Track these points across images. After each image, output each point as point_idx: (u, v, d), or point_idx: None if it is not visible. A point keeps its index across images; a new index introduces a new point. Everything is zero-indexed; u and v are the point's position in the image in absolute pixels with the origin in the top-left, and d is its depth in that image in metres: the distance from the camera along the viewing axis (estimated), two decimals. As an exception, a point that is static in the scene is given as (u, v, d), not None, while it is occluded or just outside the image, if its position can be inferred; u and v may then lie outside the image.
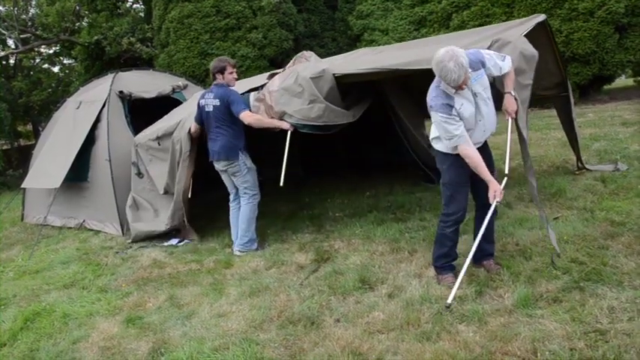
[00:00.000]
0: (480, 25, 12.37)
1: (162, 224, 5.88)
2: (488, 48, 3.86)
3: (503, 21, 11.78)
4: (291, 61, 5.45)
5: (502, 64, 3.56)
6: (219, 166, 5.18)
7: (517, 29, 4.27)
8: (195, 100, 5.67)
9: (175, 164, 5.62)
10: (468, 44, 4.13)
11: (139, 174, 6.21)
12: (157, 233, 5.92)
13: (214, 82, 5.16)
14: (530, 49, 3.83)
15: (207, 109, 5.11)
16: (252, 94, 5.24)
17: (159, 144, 5.91)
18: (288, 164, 4.91)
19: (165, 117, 6.51)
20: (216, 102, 5.00)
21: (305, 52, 5.49)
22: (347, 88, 5.07)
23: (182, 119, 5.69)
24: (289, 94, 4.83)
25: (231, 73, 5.09)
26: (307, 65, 5.06)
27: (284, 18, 14.89)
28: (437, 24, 14.33)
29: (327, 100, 4.79)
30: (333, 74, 4.84)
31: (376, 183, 6.99)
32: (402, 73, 4.65)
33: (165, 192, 5.90)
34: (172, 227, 5.81)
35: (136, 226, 6.07)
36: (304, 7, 16.84)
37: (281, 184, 4.84)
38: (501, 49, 3.82)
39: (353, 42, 15.27)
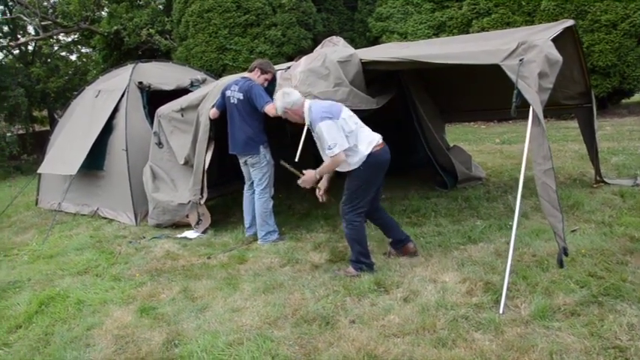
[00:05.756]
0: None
1: (182, 197, 5.94)
2: (515, 50, 3.84)
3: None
4: (320, 45, 5.50)
5: (327, 150, 3.91)
6: (241, 159, 5.31)
7: (545, 33, 4.24)
8: (218, 83, 5.72)
9: (198, 136, 5.68)
10: (495, 45, 4.11)
11: (159, 144, 6.31)
12: (177, 204, 5.97)
13: (243, 75, 5.22)
14: (555, 54, 3.81)
15: (232, 101, 5.19)
16: (279, 73, 5.30)
17: (182, 115, 5.99)
18: (305, 164, 4.90)
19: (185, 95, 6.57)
20: (240, 95, 5.07)
21: (334, 37, 5.56)
22: (372, 77, 5.09)
23: (208, 92, 5.73)
24: (315, 75, 4.85)
25: (267, 79, 5.20)
26: (336, 49, 5.13)
27: (303, 17, 14.89)
28: (456, 29, 14.28)
29: (352, 84, 4.83)
30: (361, 60, 4.88)
31: (391, 186, 6.94)
32: (427, 67, 4.64)
33: (186, 162, 5.97)
34: (192, 201, 5.83)
35: (156, 196, 6.14)
36: (324, 7, 16.84)
37: (296, 159, 4.91)
38: (527, 52, 3.80)
39: (371, 44, 15.14)
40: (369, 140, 4.01)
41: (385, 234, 4.57)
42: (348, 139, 3.92)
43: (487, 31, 13.18)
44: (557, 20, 11.79)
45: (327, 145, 3.88)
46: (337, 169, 4.08)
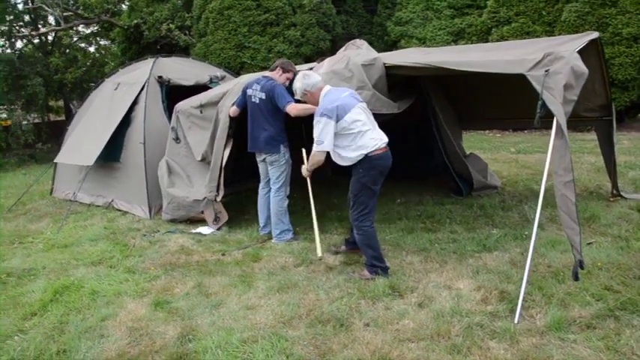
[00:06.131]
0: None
1: (198, 193, 5.94)
2: (541, 61, 3.82)
3: (543, 39, 11.67)
4: (343, 47, 5.51)
5: (314, 144, 4.10)
6: (259, 157, 5.31)
7: (570, 44, 4.21)
8: (239, 81, 5.76)
9: (217, 133, 5.69)
10: (520, 54, 4.10)
11: (177, 139, 6.33)
12: (192, 200, 5.97)
13: (265, 74, 5.24)
14: (582, 66, 3.79)
15: (253, 100, 5.20)
16: (301, 73, 5.30)
17: (201, 112, 6.01)
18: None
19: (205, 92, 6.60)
20: (262, 95, 5.08)
21: (357, 40, 5.56)
22: (393, 82, 5.08)
23: (228, 90, 5.75)
24: (338, 77, 4.85)
25: (288, 78, 5.21)
26: (359, 52, 5.13)
27: (323, 18, 14.89)
28: (475, 37, 14.21)
29: (375, 88, 4.83)
30: (384, 64, 4.88)
31: (406, 190, 6.97)
32: (450, 74, 4.62)
33: (203, 159, 5.99)
34: (208, 197, 5.82)
35: (171, 191, 6.15)
36: (343, 9, 16.84)
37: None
38: (553, 63, 3.78)
39: (389, 48, 15.15)
40: (372, 144, 4.08)
41: (351, 229, 4.62)
42: (342, 137, 4.06)
43: (506, 39, 13.13)
44: (577, 31, 11.75)
45: (315, 140, 4.09)
46: (337, 161, 4.21)
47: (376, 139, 4.12)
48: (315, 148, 4.11)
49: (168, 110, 7.25)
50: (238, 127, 5.67)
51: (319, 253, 4.45)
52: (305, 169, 4.48)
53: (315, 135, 4.08)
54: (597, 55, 5.28)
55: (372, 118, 4.26)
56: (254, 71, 13.23)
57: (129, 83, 7.68)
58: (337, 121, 4.00)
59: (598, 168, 7.73)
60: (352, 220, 4.25)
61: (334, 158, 4.21)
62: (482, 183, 6.69)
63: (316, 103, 4.26)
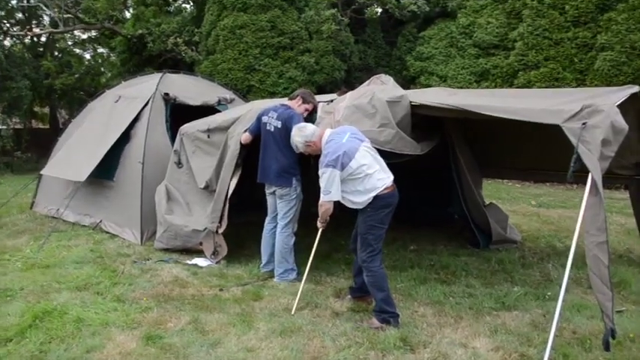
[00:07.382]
0: (547, 87, 12.50)
1: (197, 222, 6.00)
2: (578, 113, 3.92)
3: (573, 87, 11.86)
4: (366, 82, 5.65)
5: (321, 193, 4.29)
6: (268, 190, 5.37)
7: (609, 97, 4.28)
8: (252, 108, 5.90)
9: (224, 160, 5.78)
10: (556, 104, 4.19)
11: (179, 163, 6.42)
12: (190, 230, 6.03)
13: (283, 103, 5.37)
14: (621, 122, 3.87)
15: (267, 128, 5.32)
16: (320, 105, 5.44)
17: (208, 136, 6.12)
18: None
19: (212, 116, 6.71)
20: (278, 123, 5.20)
21: (382, 75, 5.67)
22: (415, 122, 5.18)
23: (241, 116, 5.86)
24: (361, 112, 4.95)
25: (307, 110, 5.37)
26: (384, 88, 5.25)
27: (340, 46, 15.18)
28: (500, 79, 14.44)
29: (399, 126, 4.91)
30: (411, 102, 4.97)
31: (418, 237, 7.04)
32: (479, 118, 4.73)
33: (206, 187, 6.05)
34: (209, 228, 5.88)
35: (168, 219, 6.20)
36: (362, 39, 17.17)
37: None
38: (591, 116, 3.87)
39: (407, 83, 15.41)
40: (381, 184, 4.27)
41: (354, 276, 4.82)
42: (350, 182, 4.27)
43: (534, 85, 13.38)
44: (611, 82, 11.93)
45: (322, 190, 4.29)
46: (348, 205, 4.41)
47: (384, 179, 4.31)
48: (322, 197, 4.31)
49: (171, 130, 7.36)
50: (246, 155, 5.76)
51: (293, 310, 4.56)
52: (319, 223, 4.64)
53: (321, 185, 4.29)
54: (636, 110, 5.41)
55: (377, 156, 4.46)
56: (262, 96, 13.40)
57: (131, 97, 7.82)
58: (342, 169, 4.21)
59: (628, 230, 7.80)
60: (361, 261, 4.37)
61: (345, 203, 4.39)
62: (501, 236, 6.76)
63: (320, 150, 4.48)
